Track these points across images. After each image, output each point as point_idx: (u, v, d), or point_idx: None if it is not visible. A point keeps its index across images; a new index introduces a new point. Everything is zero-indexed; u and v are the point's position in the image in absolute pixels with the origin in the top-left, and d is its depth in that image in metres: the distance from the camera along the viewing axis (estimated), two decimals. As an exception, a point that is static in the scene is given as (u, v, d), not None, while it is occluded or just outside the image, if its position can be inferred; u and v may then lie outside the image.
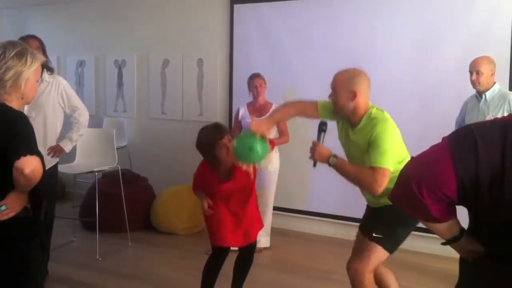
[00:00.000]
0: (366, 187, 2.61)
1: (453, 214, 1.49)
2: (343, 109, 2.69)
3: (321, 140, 2.72)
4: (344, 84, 2.65)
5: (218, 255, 3.36)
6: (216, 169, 3.19)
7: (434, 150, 1.42)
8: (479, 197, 1.33)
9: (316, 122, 2.84)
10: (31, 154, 1.96)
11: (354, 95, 2.62)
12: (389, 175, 2.48)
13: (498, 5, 4.38)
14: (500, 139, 1.31)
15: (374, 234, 2.74)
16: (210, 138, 3.12)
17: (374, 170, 2.49)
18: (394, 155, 2.56)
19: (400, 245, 2.82)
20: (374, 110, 2.68)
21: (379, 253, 2.74)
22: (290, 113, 2.99)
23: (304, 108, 2.95)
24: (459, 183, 1.33)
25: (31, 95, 2.19)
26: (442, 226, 1.51)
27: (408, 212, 1.54)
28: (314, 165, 2.71)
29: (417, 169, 1.43)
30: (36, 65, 2.13)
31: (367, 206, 3.01)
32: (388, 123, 2.62)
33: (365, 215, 3.04)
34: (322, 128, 2.74)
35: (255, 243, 3.47)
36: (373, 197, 2.71)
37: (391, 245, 2.76)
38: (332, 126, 2.88)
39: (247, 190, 3.28)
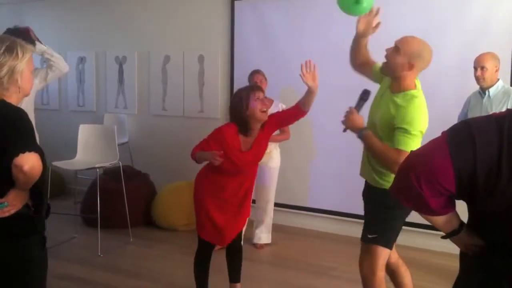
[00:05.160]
0: (386, 165, 2.58)
1: (451, 207, 1.51)
2: (392, 69, 2.65)
3: (359, 108, 2.70)
4: (411, 52, 2.60)
5: (204, 248, 3.38)
6: (242, 134, 3.14)
7: (432, 143, 1.44)
8: (477, 189, 1.35)
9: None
10: (30, 150, 1.96)
11: (410, 68, 2.60)
12: None
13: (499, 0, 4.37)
14: (496, 132, 1.33)
15: (368, 236, 2.76)
16: (244, 92, 3.16)
17: (399, 152, 2.45)
18: (418, 143, 2.51)
19: (397, 236, 2.81)
20: (416, 93, 2.63)
21: (379, 253, 2.74)
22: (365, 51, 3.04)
23: (368, 58, 3.01)
24: (457, 175, 1.35)
25: (28, 87, 2.19)
26: (441, 219, 1.53)
27: (407, 205, 1.56)
28: (344, 130, 2.71)
29: (416, 162, 1.45)
30: (28, 55, 2.12)
31: (363, 193, 2.97)
32: (422, 110, 2.59)
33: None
34: (363, 97, 2.72)
35: (240, 232, 3.48)
36: (379, 174, 2.70)
37: (388, 240, 2.76)
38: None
39: (254, 170, 3.33)
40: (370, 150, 2.64)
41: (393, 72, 2.66)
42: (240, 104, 3.11)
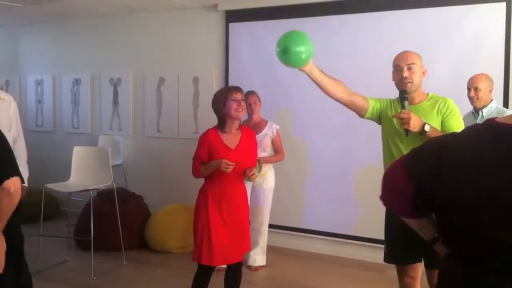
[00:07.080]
0: None
1: (420, 212, 1.57)
2: (417, 85, 2.83)
3: (407, 107, 2.74)
4: (420, 60, 2.86)
5: (206, 272, 3.30)
6: (221, 130, 3.31)
7: (399, 159, 1.60)
8: (430, 199, 1.43)
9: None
10: (16, 174, 1.98)
11: (425, 72, 2.87)
12: None
13: (491, 21, 4.42)
14: (440, 147, 1.42)
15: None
16: (223, 91, 3.38)
17: None
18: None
19: None
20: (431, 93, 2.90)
21: None
22: (344, 90, 2.97)
23: (355, 96, 2.97)
24: (413, 185, 1.45)
25: None
26: (415, 223, 1.62)
27: (397, 213, 1.65)
28: (407, 134, 2.68)
29: (387, 173, 1.60)
30: None
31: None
32: None
33: (411, 244, 2.67)
34: (404, 96, 2.79)
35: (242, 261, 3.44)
36: None
37: None
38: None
39: (250, 163, 3.33)
40: None
41: (417, 87, 2.84)
42: (218, 101, 3.33)
